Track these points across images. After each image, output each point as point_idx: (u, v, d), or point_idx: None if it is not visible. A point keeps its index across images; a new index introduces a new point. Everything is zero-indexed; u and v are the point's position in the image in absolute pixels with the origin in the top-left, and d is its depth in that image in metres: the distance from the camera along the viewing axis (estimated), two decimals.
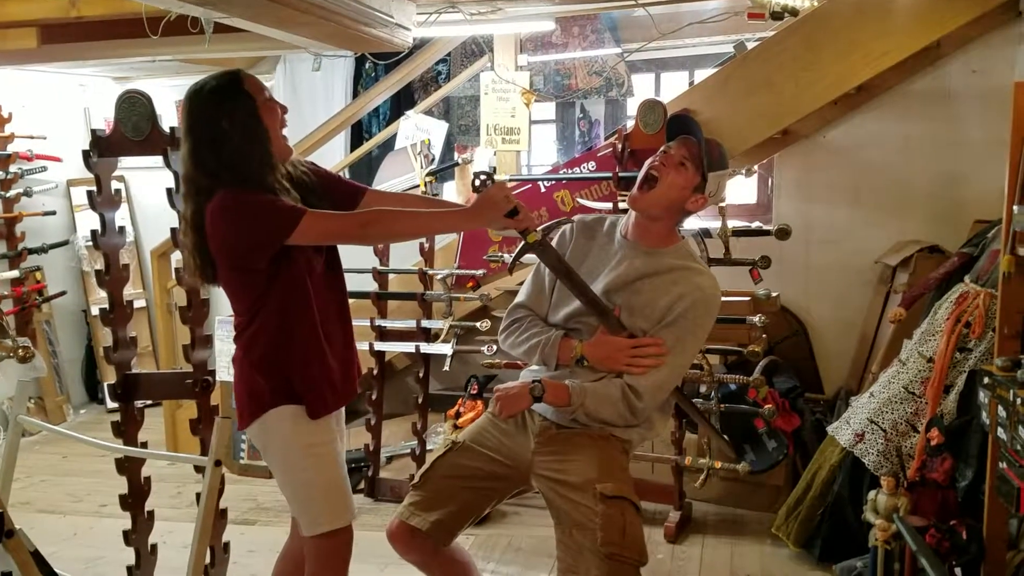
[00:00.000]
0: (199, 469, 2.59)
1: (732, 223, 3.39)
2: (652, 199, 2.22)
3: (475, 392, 3.79)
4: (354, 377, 2.27)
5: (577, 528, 2.10)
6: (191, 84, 2.09)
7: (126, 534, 2.89)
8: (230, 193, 2.00)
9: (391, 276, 4.08)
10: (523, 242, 2.18)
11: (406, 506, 2.24)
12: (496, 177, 2.22)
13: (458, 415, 3.74)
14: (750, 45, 4.03)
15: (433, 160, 4.15)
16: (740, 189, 4.73)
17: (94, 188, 2.77)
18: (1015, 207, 2.36)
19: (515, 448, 2.25)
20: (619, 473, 2.19)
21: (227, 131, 2.01)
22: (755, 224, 3.99)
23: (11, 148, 5.10)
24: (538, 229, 2.18)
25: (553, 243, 2.30)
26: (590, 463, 2.15)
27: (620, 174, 3.62)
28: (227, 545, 2.92)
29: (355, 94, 5.40)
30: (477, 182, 2.24)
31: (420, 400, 3.92)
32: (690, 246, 2.34)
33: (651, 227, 2.26)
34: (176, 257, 3.00)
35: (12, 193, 5.07)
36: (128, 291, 2.93)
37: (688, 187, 2.21)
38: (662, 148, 2.26)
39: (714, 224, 3.38)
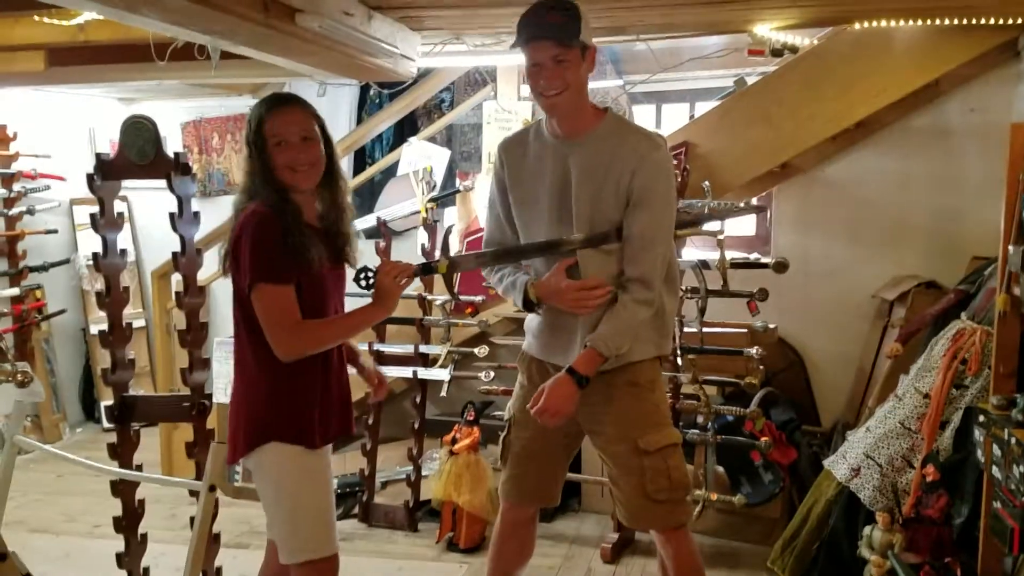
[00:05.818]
0: (193, 492, 2.59)
1: (730, 255, 3.41)
2: (567, 101, 2.14)
3: (472, 418, 3.78)
4: (350, 403, 2.28)
5: (624, 477, 2.26)
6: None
7: (119, 556, 2.88)
8: (258, 215, 2.02)
9: None
10: (443, 275, 2.28)
11: (502, 486, 2.44)
12: (374, 266, 2.15)
13: (454, 441, 3.73)
14: (750, 80, 4.08)
15: (435, 187, 4.17)
16: (740, 221, 4.75)
17: (97, 209, 2.79)
18: (1010, 247, 2.38)
19: None
20: (653, 417, 2.25)
21: (248, 153, 2.08)
22: (753, 256, 4.01)
23: (15, 167, 5.13)
24: (437, 260, 2.32)
25: (489, 186, 2.38)
26: (624, 413, 2.24)
27: None
28: (219, 569, 2.91)
29: (359, 120, 5.44)
30: (363, 283, 2.15)
31: (416, 425, 3.92)
32: (614, 112, 2.27)
33: (574, 116, 2.19)
34: (176, 278, 3.01)
35: (15, 211, 5.10)
36: (128, 311, 2.94)
37: (580, 68, 2.12)
38: (532, 63, 2.12)
39: (712, 256, 3.40)
